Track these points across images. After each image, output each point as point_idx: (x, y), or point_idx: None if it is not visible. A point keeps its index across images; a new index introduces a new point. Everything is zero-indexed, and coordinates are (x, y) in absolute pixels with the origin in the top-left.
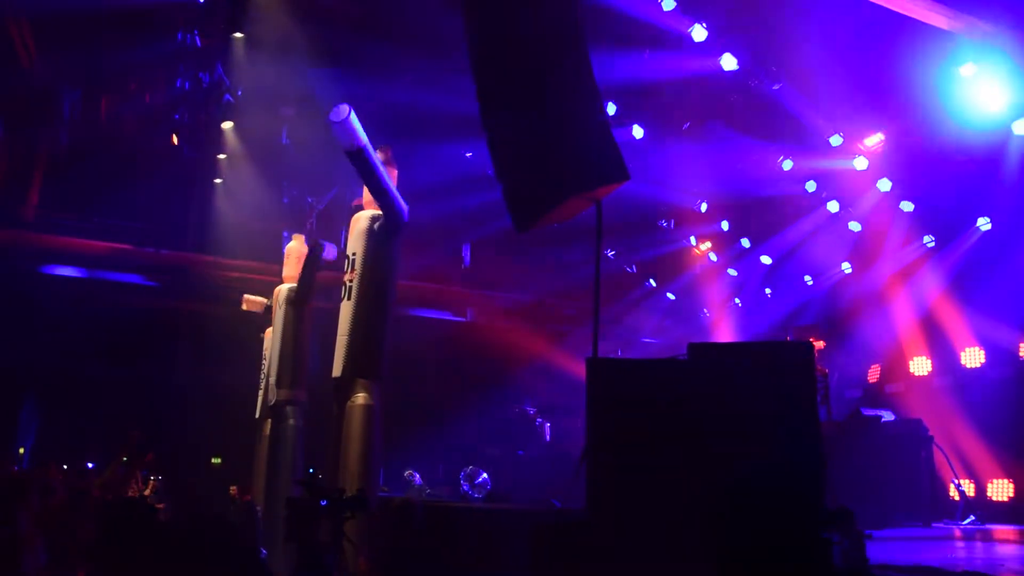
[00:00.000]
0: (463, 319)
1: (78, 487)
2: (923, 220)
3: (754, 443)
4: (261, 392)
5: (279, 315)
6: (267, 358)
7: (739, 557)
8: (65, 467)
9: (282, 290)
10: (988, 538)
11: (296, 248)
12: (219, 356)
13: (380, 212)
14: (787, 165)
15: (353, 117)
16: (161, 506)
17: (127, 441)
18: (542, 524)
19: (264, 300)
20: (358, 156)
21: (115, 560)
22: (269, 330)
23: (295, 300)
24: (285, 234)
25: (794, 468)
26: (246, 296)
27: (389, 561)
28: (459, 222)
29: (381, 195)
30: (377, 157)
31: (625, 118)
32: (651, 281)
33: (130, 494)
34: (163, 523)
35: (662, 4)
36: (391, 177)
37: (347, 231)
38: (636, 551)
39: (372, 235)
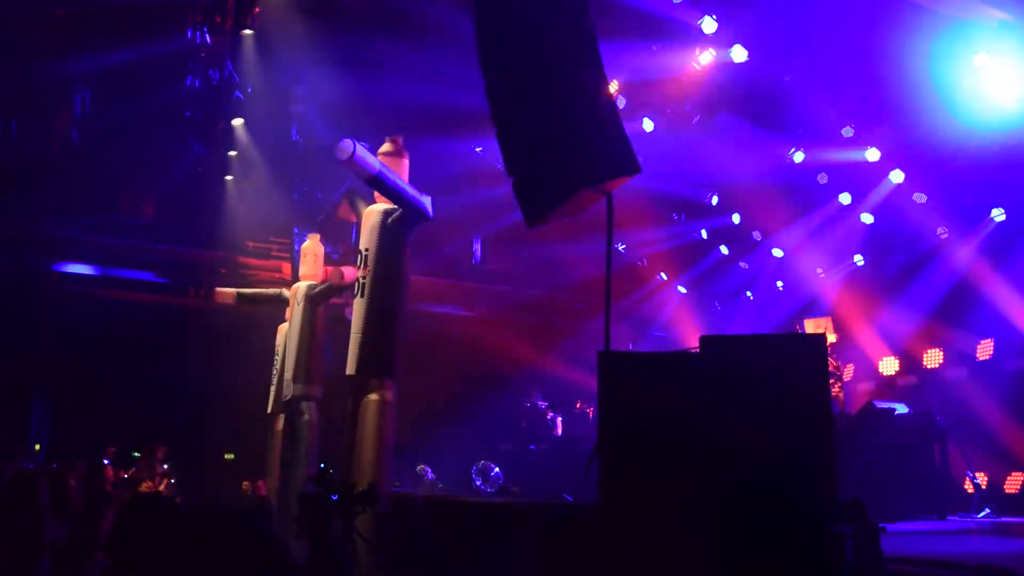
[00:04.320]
0: (473, 314)
1: (93, 483)
2: (936, 212)
3: (766, 436)
4: (273, 387)
5: (296, 312)
6: (279, 354)
7: (752, 549)
8: (85, 466)
9: (299, 287)
10: (1003, 531)
11: (312, 248)
12: (231, 352)
13: (394, 207)
14: (798, 157)
15: (359, 149)
16: (177, 500)
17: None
18: (554, 519)
19: (233, 291)
20: (376, 181)
21: (135, 553)
22: (283, 326)
23: (312, 298)
24: (296, 230)
25: (806, 461)
26: (217, 289)
27: (398, 554)
28: (469, 217)
29: (405, 204)
30: (391, 173)
31: (635, 111)
32: (663, 274)
33: (143, 489)
34: (181, 516)
35: None
36: (403, 168)
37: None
38: (648, 544)
39: (385, 231)
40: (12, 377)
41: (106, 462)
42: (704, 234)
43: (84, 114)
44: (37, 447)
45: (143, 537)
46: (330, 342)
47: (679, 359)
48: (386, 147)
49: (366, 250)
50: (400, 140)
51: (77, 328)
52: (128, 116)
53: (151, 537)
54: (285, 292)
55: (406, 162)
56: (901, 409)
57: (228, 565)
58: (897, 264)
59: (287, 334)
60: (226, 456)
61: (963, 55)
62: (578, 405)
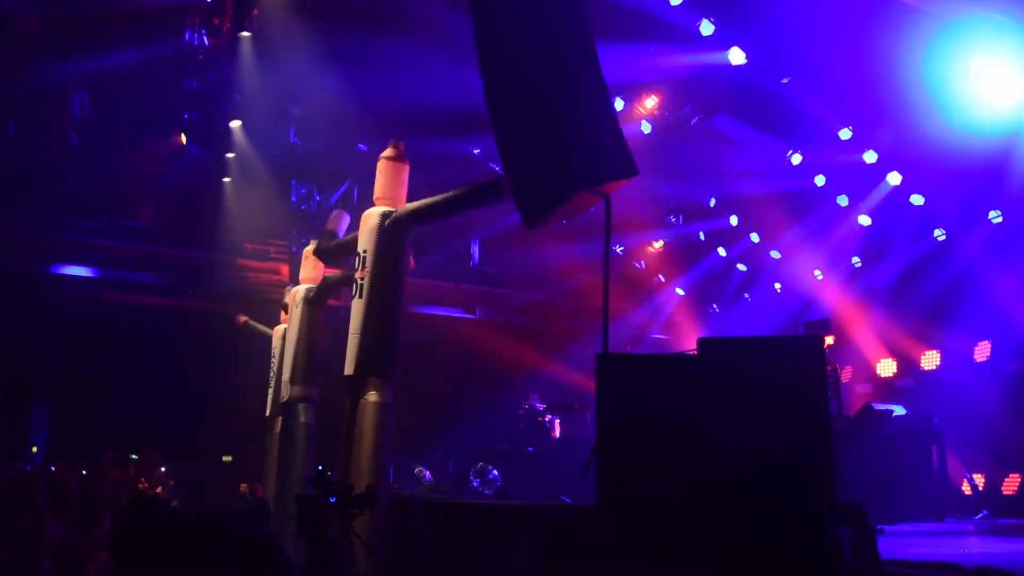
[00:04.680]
0: (472, 316)
1: (92, 484)
2: (933, 213)
3: (765, 438)
4: (271, 390)
5: (294, 314)
6: (276, 356)
7: (750, 551)
8: (84, 472)
9: (299, 290)
10: (1000, 532)
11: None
12: (229, 354)
13: (391, 209)
14: (796, 159)
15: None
16: (174, 503)
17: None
18: (552, 520)
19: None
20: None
21: (133, 555)
22: (278, 328)
23: (312, 300)
24: (293, 232)
25: (805, 463)
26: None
27: (396, 557)
28: (468, 219)
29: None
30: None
31: (633, 113)
32: (660, 276)
33: (140, 491)
34: (181, 519)
35: None
36: (404, 173)
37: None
38: (646, 545)
39: (383, 232)
40: (11, 378)
41: (104, 463)
42: (702, 236)
43: (82, 116)
44: (34, 449)
45: (141, 539)
46: (328, 345)
47: (677, 361)
48: (388, 152)
49: (364, 251)
50: (402, 146)
51: (75, 330)
52: (126, 118)
53: (149, 539)
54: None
55: (407, 167)
56: (899, 411)
57: (226, 567)
58: (895, 266)
59: (285, 337)
60: (224, 458)
61: (960, 57)
62: (576, 406)
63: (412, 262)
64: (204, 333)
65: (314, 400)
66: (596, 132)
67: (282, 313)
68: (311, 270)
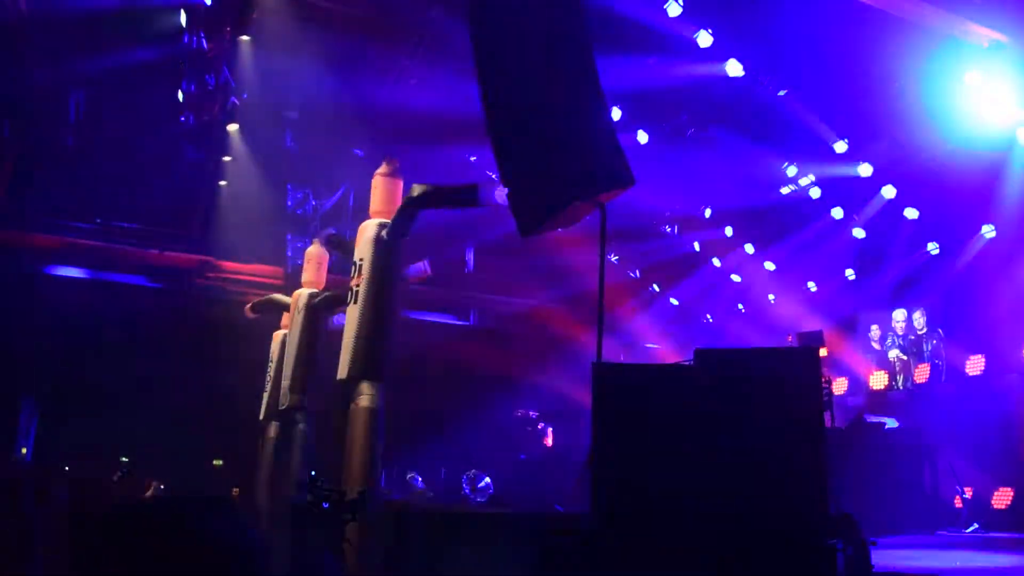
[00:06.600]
0: (466, 323)
1: (83, 486)
2: (927, 227)
3: (759, 449)
4: (266, 395)
5: (296, 320)
6: (273, 360)
7: (743, 564)
8: (67, 469)
9: (301, 295)
10: (991, 545)
11: (316, 253)
12: (222, 358)
13: (387, 221)
14: (791, 171)
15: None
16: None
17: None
18: (544, 529)
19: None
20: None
21: (124, 555)
22: (277, 333)
23: (313, 307)
24: (289, 237)
25: (799, 474)
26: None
27: (388, 564)
28: (463, 226)
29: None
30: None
31: (630, 123)
32: (655, 286)
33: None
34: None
35: (668, 10)
36: (398, 189)
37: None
38: (639, 557)
39: (379, 242)
40: (1, 379)
41: (94, 464)
42: (697, 246)
43: (78, 117)
44: (23, 450)
45: (130, 540)
46: (328, 352)
47: (674, 371)
48: (383, 169)
49: (360, 260)
50: (397, 163)
51: (68, 331)
52: (123, 120)
53: (138, 540)
54: (281, 297)
55: (401, 183)
56: (891, 423)
57: (213, 566)
58: (888, 279)
59: (284, 342)
60: (215, 462)
61: (955, 73)
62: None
63: (428, 270)
64: (197, 336)
65: (313, 408)
66: (593, 141)
67: (283, 317)
68: (313, 273)
